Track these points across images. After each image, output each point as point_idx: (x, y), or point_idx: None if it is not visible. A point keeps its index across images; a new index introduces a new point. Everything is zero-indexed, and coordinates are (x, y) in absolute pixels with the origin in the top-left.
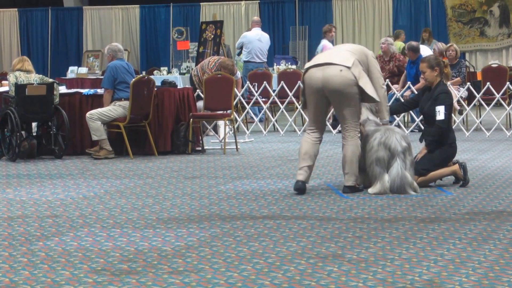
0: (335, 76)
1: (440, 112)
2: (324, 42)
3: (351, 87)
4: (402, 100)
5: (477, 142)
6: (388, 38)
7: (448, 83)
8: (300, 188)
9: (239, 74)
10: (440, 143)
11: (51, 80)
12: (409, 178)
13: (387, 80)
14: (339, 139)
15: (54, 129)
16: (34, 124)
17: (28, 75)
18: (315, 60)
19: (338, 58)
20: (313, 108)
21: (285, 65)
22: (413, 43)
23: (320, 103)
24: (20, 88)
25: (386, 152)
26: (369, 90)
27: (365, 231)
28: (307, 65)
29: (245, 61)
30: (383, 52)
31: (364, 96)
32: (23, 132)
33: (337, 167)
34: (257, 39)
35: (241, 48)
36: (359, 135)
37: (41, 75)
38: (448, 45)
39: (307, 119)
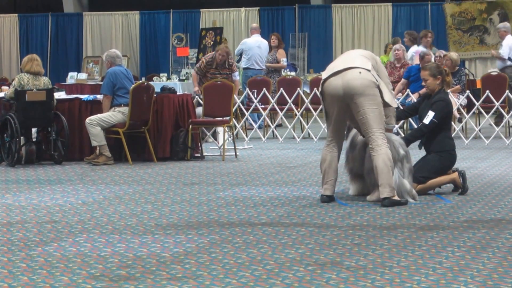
0: (355, 79)
1: (429, 117)
2: (418, 48)
3: (372, 88)
4: (401, 108)
5: (476, 150)
6: (401, 44)
7: (448, 91)
8: (328, 202)
9: (237, 74)
10: (438, 150)
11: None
12: (407, 186)
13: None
14: None
15: (53, 135)
16: (34, 130)
17: (37, 82)
18: (332, 68)
19: (357, 62)
20: (335, 118)
21: (284, 72)
22: (425, 50)
23: (342, 112)
24: (20, 93)
25: None
26: (387, 95)
27: (364, 239)
28: (324, 74)
29: (244, 68)
30: (397, 59)
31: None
32: (22, 138)
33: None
34: (256, 46)
35: (241, 55)
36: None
37: (47, 78)
38: (443, 54)
39: (306, 126)
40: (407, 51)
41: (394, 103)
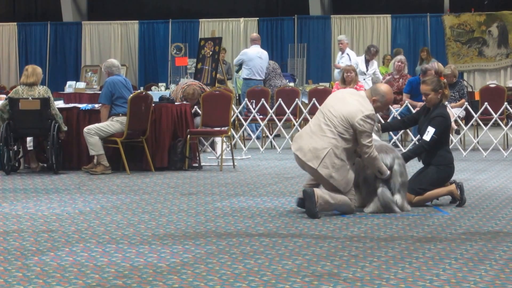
0: (313, 173)
1: (429, 133)
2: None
3: (328, 178)
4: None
5: (474, 162)
6: (403, 57)
7: (452, 104)
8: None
9: None
10: (436, 163)
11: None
12: (399, 200)
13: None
14: None
15: (52, 143)
16: (30, 138)
17: (31, 92)
18: (298, 144)
19: (310, 153)
20: None
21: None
22: (427, 65)
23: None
24: (13, 102)
25: (377, 173)
26: (342, 185)
27: (361, 250)
28: (293, 146)
29: (245, 79)
30: (397, 71)
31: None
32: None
33: None
34: (258, 57)
35: (240, 65)
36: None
37: (45, 88)
38: (430, 68)
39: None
40: (367, 63)
41: (344, 188)
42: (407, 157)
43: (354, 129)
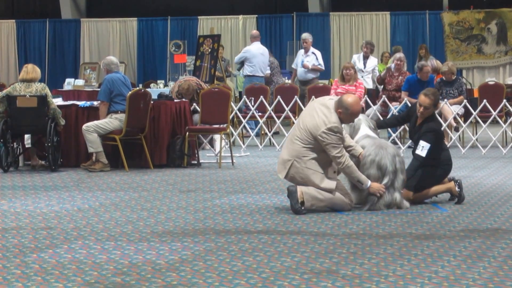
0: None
1: (424, 149)
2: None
3: (306, 188)
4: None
5: (473, 159)
6: (402, 55)
7: (450, 101)
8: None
9: None
10: (436, 162)
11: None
12: (397, 197)
13: (391, 92)
14: None
15: (49, 141)
16: (27, 136)
17: (29, 89)
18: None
19: (281, 163)
20: None
21: (282, 79)
22: (424, 62)
23: None
24: (11, 99)
25: (377, 172)
26: (314, 192)
27: (360, 247)
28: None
29: (249, 76)
30: (396, 69)
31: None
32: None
33: None
34: (260, 53)
35: (242, 62)
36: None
37: (43, 85)
38: (426, 64)
39: None
40: (365, 60)
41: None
42: (409, 177)
43: (319, 142)
